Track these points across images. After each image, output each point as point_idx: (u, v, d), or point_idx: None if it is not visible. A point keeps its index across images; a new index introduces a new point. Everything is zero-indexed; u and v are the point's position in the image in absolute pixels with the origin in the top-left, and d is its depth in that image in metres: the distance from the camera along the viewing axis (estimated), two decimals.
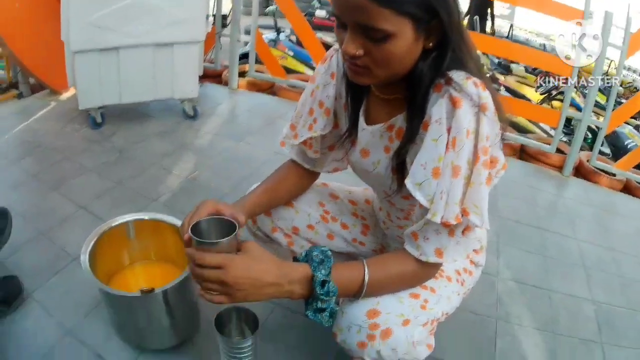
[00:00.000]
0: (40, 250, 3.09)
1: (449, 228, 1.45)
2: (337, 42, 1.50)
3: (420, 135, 1.47)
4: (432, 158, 1.39)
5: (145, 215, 2.56)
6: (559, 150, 5.34)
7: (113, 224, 2.46)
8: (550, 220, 4.04)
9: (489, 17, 13.33)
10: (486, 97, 1.36)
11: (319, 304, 1.47)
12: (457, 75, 1.39)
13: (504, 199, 4.02)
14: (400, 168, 1.60)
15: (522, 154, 5.87)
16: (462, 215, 1.40)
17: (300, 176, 2.10)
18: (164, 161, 4.36)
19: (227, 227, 1.58)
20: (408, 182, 1.45)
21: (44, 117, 5.49)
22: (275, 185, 2.04)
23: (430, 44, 1.40)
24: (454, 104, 1.35)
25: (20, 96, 6.14)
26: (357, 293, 1.54)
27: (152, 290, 2.06)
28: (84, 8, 4.40)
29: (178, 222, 2.39)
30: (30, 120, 5.36)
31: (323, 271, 1.45)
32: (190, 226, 1.57)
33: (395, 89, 1.58)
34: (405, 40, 1.33)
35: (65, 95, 6.03)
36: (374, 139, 1.73)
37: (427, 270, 1.58)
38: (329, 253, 1.50)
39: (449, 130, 1.36)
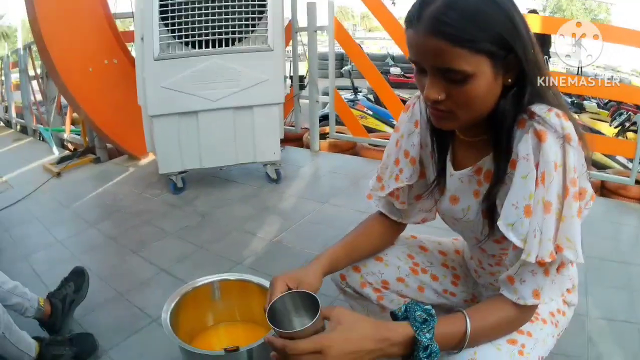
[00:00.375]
0: (118, 310, 3.03)
1: (544, 267, 1.38)
2: (418, 89, 1.46)
3: (509, 174, 1.42)
4: (523, 196, 1.35)
5: (231, 276, 2.47)
6: (638, 182, 5.13)
7: (197, 284, 2.38)
8: (635, 253, 3.79)
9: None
10: (569, 127, 1.33)
11: None
12: (539, 109, 1.36)
13: (588, 238, 3.68)
14: (490, 211, 1.53)
15: (603, 190, 5.70)
16: (556, 252, 1.35)
17: (387, 228, 2.00)
18: (247, 225, 4.26)
19: (306, 298, 1.48)
20: (500, 224, 1.39)
21: (122, 181, 5.58)
22: (358, 238, 1.94)
23: (509, 80, 1.37)
24: (539, 137, 1.31)
25: (97, 161, 6.28)
26: (457, 346, 1.44)
27: (236, 349, 1.93)
28: (160, 72, 4.46)
29: (265, 283, 2.32)
30: (108, 185, 5.45)
31: (427, 335, 1.35)
32: (266, 313, 1.44)
33: (479, 131, 1.53)
34: (485, 79, 1.31)
35: (144, 161, 6.12)
36: (463, 184, 1.67)
37: (525, 313, 1.49)
38: (433, 312, 1.40)
39: (537, 165, 1.32)
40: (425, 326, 1.36)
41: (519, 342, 1.52)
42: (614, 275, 3.28)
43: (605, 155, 6.84)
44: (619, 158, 6.82)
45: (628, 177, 4.97)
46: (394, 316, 1.45)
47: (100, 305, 3.04)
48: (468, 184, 1.63)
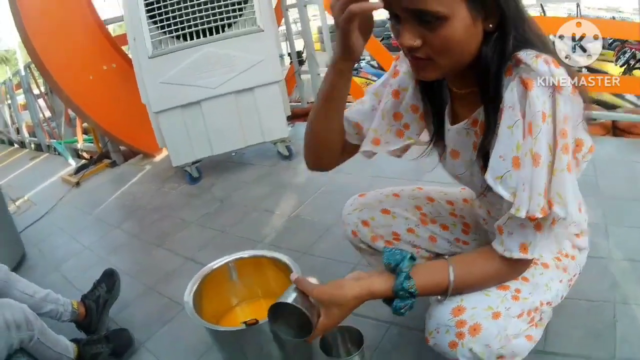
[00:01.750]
0: (149, 303, 3.11)
1: (535, 222, 1.36)
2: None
3: (499, 125, 1.36)
4: (511, 147, 1.31)
5: (244, 254, 2.52)
6: None
7: (214, 267, 2.44)
8: None
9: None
10: (560, 73, 1.26)
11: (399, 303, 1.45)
12: (526, 55, 1.31)
13: (604, 179, 3.70)
14: (486, 165, 1.46)
15: (615, 130, 5.54)
16: (548, 207, 1.31)
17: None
18: (264, 203, 4.32)
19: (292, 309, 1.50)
20: (488, 177, 1.37)
21: (140, 180, 5.67)
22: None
23: (490, 25, 1.33)
24: (525, 86, 1.27)
25: (113, 165, 6.37)
26: (442, 294, 1.49)
27: (256, 322, 2.01)
28: (156, 69, 4.53)
29: (278, 256, 2.39)
30: (127, 186, 5.54)
31: (402, 311, 1.44)
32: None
33: (470, 82, 1.48)
34: (461, 22, 1.27)
35: (159, 157, 6.20)
36: (461, 137, 1.63)
37: (513, 267, 1.48)
38: (416, 293, 1.43)
39: (523, 115, 1.28)
40: (403, 301, 1.44)
41: (511, 287, 1.54)
42: (634, 214, 3.23)
43: (615, 95, 6.80)
44: (629, 97, 6.80)
45: (639, 114, 4.93)
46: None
47: (132, 301, 3.12)
48: (466, 136, 1.61)
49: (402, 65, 1.76)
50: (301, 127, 6.25)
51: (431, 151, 1.83)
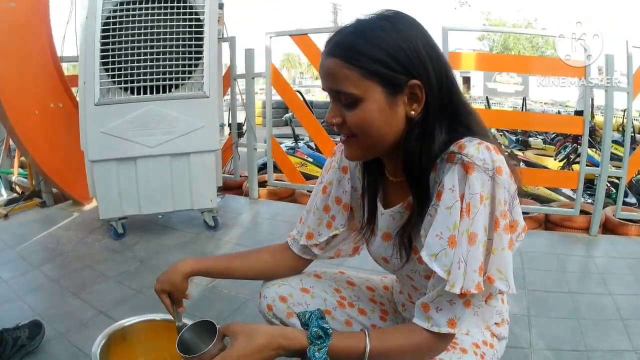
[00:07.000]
0: (58, 350, 3.12)
1: (464, 299, 1.39)
2: None
3: (434, 205, 1.42)
4: (447, 227, 1.35)
5: (157, 317, 2.47)
6: (584, 212, 5.34)
7: (125, 324, 2.40)
8: (582, 283, 4.01)
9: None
10: (500, 160, 1.35)
11: None
12: (469, 142, 1.38)
13: (532, 272, 3.99)
14: (409, 245, 1.59)
15: (547, 223, 5.82)
16: (488, 283, 1.37)
17: (296, 261, 2.07)
18: None
19: (210, 327, 1.57)
20: (424, 255, 1.39)
21: (66, 226, 5.66)
22: (255, 260, 2.07)
23: (413, 112, 1.43)
24: (466, 170, 1.33)
25: (43, 205, 6.34)
26: None
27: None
28: (100, 117, 4.63)
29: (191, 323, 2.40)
30: (52, 229, 5.53)
31: (317, 354, 1.40)
32: (177, 344, 1.58)
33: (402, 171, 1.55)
34: (375, 104, 1.39)
35: (88, 207, 6.22)
36: (395, 221, 1.69)
37: (438, 341, 1.46)
38: (330, 331, 1.44)
39: (462, 197, 1.34)
40: (319, 342, 1.42)
41: None
42: (559, 305, 3.41)
43: (550, 189, 7.03)
44: (565, 191, 7.01)
45: (572, 208, 5.19)
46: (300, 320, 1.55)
47: (41, 345, 3.10)
48: (400, 220, 1.65)
49: (332, 161, 1.92)
50: (231, 199, 6.46)
51: (359, 238, 1.95)
